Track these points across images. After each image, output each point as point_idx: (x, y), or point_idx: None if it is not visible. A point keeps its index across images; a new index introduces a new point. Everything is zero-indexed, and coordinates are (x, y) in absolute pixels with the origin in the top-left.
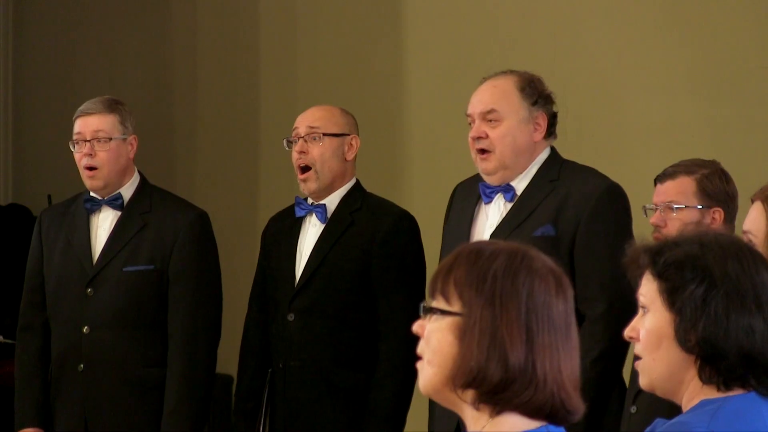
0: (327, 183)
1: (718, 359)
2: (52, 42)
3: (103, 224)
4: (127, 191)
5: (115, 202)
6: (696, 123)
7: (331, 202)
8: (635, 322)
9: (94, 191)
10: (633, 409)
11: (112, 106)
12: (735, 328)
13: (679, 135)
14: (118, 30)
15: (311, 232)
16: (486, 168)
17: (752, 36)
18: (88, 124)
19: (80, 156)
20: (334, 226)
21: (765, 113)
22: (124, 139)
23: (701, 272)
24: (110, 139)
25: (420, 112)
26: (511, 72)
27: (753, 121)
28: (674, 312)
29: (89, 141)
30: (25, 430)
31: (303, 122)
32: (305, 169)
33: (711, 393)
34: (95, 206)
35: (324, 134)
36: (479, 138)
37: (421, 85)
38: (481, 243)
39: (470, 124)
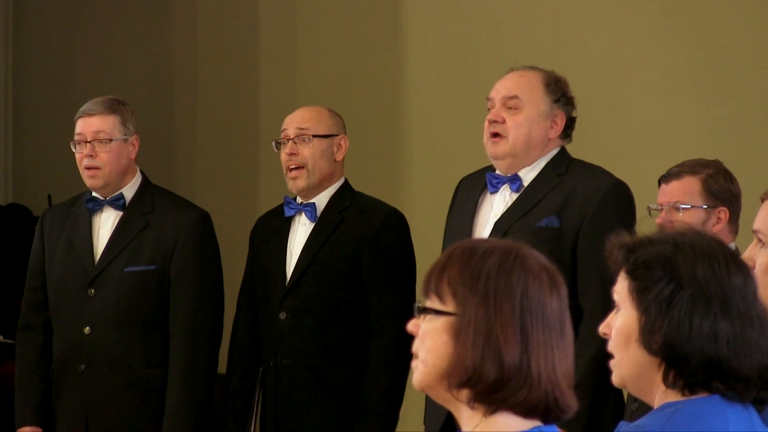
0: (316, 182)
1: (680, 363)
2: (52, 42)
3: (105, 224)
4: (128, 191)
5: (117, 202)
6: (696, 123)
7: (320, 201)
8: (609, 318)
9: (95, 190)
10: (634, 407)
11: (114, 107)
12: (698, 333)
13: (680, 135)
14: (118, 30)
15: (301, 231)
16: (496, 151)
17: (752, 36)
18: (89, 124)
19: (81, 156)
20: (324, 225)
21: (765, 113)
22: (126, 140)
23: (669, 273)
24: (111, 140)
25: (420, 112)
26: (539, 68)
27: (753, 121)
28: (641, 312)
29: (90, 142)
30: (24, 428)
31: (292, 124)
32: (295, 168)
33: (675, 396)
34: (97, 206)
35: (313, 136)
36: (495, 122)
37: (421, 85)
38: (474, 241)
39: (489, 108)
